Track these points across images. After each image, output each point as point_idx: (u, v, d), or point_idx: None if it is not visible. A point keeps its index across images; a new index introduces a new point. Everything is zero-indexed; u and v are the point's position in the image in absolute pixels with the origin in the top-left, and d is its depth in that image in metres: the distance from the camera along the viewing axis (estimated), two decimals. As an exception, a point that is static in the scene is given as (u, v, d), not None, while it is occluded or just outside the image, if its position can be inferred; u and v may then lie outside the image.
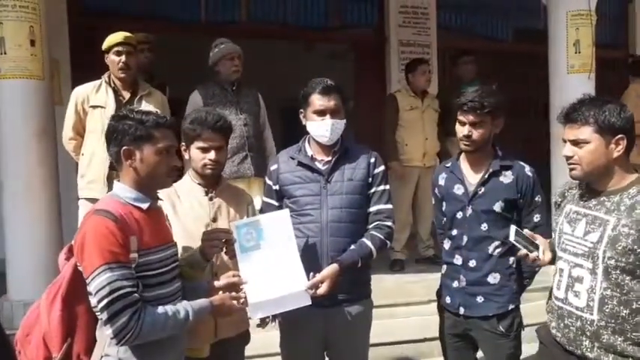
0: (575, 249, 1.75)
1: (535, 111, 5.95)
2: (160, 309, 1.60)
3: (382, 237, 2.12)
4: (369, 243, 2.09)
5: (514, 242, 1.88)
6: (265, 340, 3.05)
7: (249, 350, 3.12)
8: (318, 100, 2.09)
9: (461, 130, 2.19)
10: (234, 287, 1.84)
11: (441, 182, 2.35)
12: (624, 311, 1.63)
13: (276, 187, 2.18)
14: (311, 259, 2.04)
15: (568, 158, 1.72)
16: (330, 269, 2.00)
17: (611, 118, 1.63)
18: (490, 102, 2.13)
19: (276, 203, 2.19)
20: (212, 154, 2.00)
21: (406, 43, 5.79)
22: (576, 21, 3.89)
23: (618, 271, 1.63)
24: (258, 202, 2.48)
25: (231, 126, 2.12)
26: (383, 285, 4.06)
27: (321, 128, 2.10)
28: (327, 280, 1.98)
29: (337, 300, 2.11)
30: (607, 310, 1.65)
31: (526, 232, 1.94)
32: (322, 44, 6.82)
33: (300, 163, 2.15)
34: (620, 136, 1.65)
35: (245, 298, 1.82)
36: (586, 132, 1.66)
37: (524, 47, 6.04)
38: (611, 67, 5.62)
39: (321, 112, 2.09)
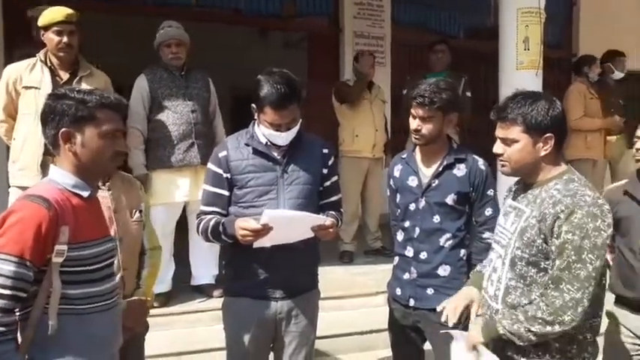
0: (503, 240, 1.78)
1: (485, 107, 6.09)
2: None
3: (340, 219, 2.13)
4: (334, 213, 2.11)
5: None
6: (208, 335, 3.00)
7: (193, 344, 3.08)
8: (272, 114, 1.92)
9: (411, 124, 2.18)
10: None
11: (396, 174, 2.33)
12: (524, 301, 1.66)
13: (227, 176, 2.03)
14: (268, 251, 1.95)
15: (498, 155, 1.74)
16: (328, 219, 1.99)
17: (539, 118, 1.64)
18: (440, 98, 2.09)
19: (227, 193, 2.05)
20: (122, 142, 1.87)
21: (360, 35, 5.79)
22: (526, 18, 3.97)
23: (523, 263, 1.66)
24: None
25: None
26: (332, 276, 4.05)
27: (276, 138, 1.99)
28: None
29: (287, 292, 2.06)
30: (509, 301, 1.69)
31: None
32: (277, 32, 6.72)
33: (255, 151, 2.03)
34: (548, 135, 1.66)
35: None
36: (514, 131, 1.67)
37: (476, 43, 6.15)
38: (555, 66, 5.80)
39: (276, 126, 1.96)
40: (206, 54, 5.18)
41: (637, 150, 2.23)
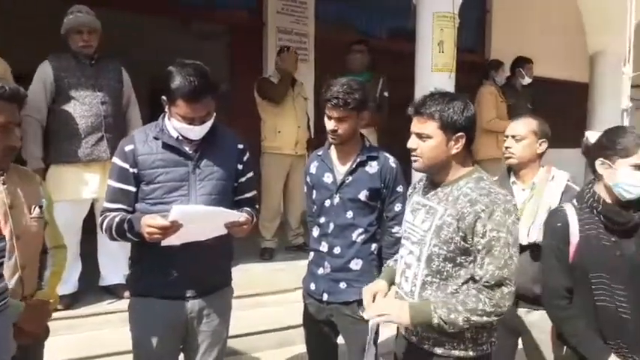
0: (413, 237, 1.82)
1: (402, 107, 6.26)
2: None
3: (255, 216, 2.09)
4: (249, 210, 2.06)
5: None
6: (117, 337, 2.86)
7: (100, 348, 2.94)
8: (184, 107, 1.84)
9: (327, 125, 2.21)
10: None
11: (313, 170, 2.36)
12: (440, 295, 1.72)
13: (134, 171, 1.94)
14: (177, 248, 1.88)
15: (412, 150, 1.77)
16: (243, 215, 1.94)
17: (454, 116, 1.69)
18: (354, 99, 2.14)
19: (134, 189, 1.95)
20: (14, 136, 1.69)
21: (284, 31, 5.77)
22: (441, 22, 4.11)
23: (441, 259, 1.71)
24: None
25: None
26: (251, 273, 4.03)
27: (188, 132, 1.92)
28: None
29: (199, 291, 2.00)
30: (425, 295, 1.74)
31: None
32: (199, 23, 6.53)
33: (165, 145, 1.94)
34: (460, 134, 1.71)
35: None
36: (430, 127, 1.71)
37: (396, 44, 6.32)
38: (468, 70, 6.07)
39: (188, 119, 1.89)
40: (123, 42, 4.94)
41: (506, 148, 2.40)
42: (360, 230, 2.24)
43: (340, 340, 2.36)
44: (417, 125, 1.75)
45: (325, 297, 2.26)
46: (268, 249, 4.49)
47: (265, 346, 3.32)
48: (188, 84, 1.82)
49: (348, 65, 4.62)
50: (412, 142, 1.77)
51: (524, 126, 2.38)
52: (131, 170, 1.94)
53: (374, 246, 2.28)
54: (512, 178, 2.42)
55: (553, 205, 2.20)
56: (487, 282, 1.65)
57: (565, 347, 1.92)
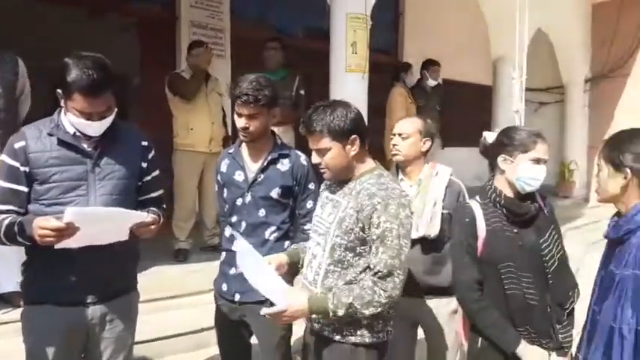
0: (320, 229, 1.92)
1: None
2: None
3: (161, 215, 2.01)
4: (155, 210, 1.99)
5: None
6: (13, 348, 2.65)
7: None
8: (82, 102, 1.75)
9: (238, 122, 2.19)
10: None
11: (223, 169, 2.32)
12: (340, 283, 1.82)
13: (26, 169, 1.80)
14: (75, 249, 1.77)
15: (318, 164, 1.89)
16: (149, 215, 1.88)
17: (341, 124, 1.81)
18: (264, 95, 2.13)
19: (25, 189, 1.82)
20: None
21: (198, 25, 5.62)
22: (354, 23, 4.20)
23: (342, 249, 1.82)
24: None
25: None
26: (165, 276, 3.90)
27: (86, 128, 1.81)
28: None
29: (100, 296, 1.90)
30: (326, 283, 1.85)
31: None
32: (109, 15, 6.20)
33: (60, 142, 1.82)
34: (352, 137, 1.83)
35: None
36: (324, 142, 1.83)
37: (313, 44, 6.37)
38: (383, 71, 6.27)
39: (86, 114, 1.78)
40: (21, 32, 4.57)
41: (393, 145, 2.52)
42: (273, 228, 2.24)
43: (254, 339, 2.34)
44: (313, 143, 1.87)
45: (237, 297, 2.24)
46: (182, 250, 4.36)
47: (180, 349, 3.22)
48: (86, 77, 1.73)
49: (264, 62, 4.59)
50: (315, 158, 1.89)
51: (410, 125, 2.50)
52: (22, 169, 1.81)
53: (287, 243, 2.28)
54: (401, 175, 2.53)
55: (438, 200, 2.36)
56: (380, 270, 1.75)
57: (480, 340, 2.01)
